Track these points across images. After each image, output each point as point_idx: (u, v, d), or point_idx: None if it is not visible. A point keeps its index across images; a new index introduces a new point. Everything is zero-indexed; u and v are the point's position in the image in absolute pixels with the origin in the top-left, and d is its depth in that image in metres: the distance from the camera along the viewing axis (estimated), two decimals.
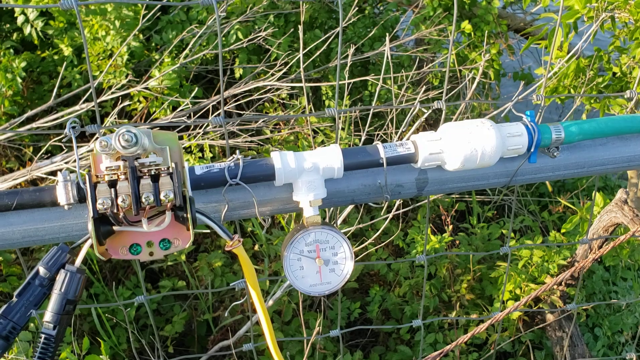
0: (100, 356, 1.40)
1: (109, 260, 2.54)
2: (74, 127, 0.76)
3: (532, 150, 0.90)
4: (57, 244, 0.71)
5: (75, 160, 2.28)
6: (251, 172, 0.82)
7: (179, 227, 0.70)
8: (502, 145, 0.87)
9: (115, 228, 0.66)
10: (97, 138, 0.65)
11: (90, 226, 0.64)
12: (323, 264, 0.85)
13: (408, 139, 0.89)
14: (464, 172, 0.92)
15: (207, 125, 2.46)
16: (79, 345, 1.57)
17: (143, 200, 0.63)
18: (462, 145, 0.85)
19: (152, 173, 0.65)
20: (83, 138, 2.96)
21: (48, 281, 0.66)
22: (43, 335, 0.64)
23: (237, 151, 0.83)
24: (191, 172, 0.79)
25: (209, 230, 2.48)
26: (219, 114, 2.69)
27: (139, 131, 0.63)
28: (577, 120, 0.95)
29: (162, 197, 0.64)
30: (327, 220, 1.44)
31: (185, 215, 0.67)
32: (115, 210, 0.64)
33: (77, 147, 0.72)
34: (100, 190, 0.63)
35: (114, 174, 0.64)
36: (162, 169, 0.65)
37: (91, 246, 0.67)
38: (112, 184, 0.64)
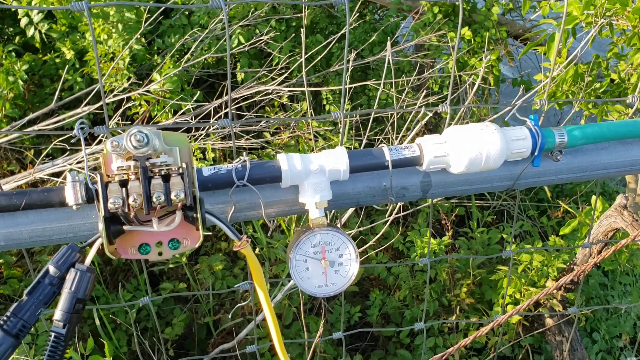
0: (104, 358, 1.41)
1: (109, 262, 2.54)
2: (82, 128, 0.77)
3: (535, 153, 0.91)
4: (64, 244, 0.72)
5: (78, 162, 2.29)
6: (258, 173, 0.83)
7: (188, 227, 0.70)
8: (506, 148, 0.87)
9: (125, 227, 0.67)
10: (99, 142, 0.66)
11: (101, 225, 0.65)
12: (329, 265, 0.86)
13: (413, 142, 0.90)
14: (468, 175, 0.93)
15: (209, 128, 2.47)
16: (82, 346, 1.57)
17: (154, 199, 0.64)
18: (467, 148, 0.85)
19: (163, 173, 0.65)
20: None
21: (58, 280, 0.66)
22: (53, 334, 0.65)
23: (245, 153, 0.84)
24: (199, 173, 0.80)
25: (210, 233, 2.48)
26: (220, 117, 2.69)
27: (150, 131, 0.64)
28: (578, 124, 0.96)
29: (172, 196, 0.64)
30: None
31: (195, 215, 0.67)
32: (126, 210, 0.64)
33: (85, 153, 0.72)
34: (112, 189, 0.64)
35: (125, 173, 0.65)
36: (173, 169, 0.66)
37: (101, 245, 0.67)
38: (123, 183, 0.65)
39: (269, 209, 0.88)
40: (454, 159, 0.87)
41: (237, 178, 0.81)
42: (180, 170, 0.66)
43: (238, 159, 0.83)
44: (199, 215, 0.67)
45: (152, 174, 0.65)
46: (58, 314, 0.65)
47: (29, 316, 0.65)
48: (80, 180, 0.72)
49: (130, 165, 0.64)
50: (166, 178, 0.66)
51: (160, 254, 0.70)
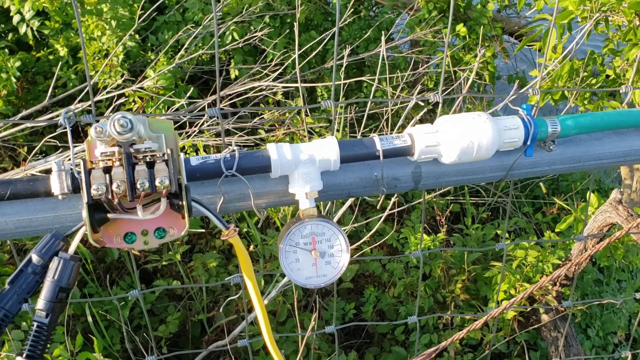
0: (94, 354, 1.39)
1: (103, 260, 2.52)
2: (68, 118, 0.76)
3: (528, 143, 0.90)
4: None
5: (69, 158, 2.27)
6: (247, 163, 0.82)
7: (174, 216, 0.69)
8: (498, 138, 0.86)
9: (109, 215, 0.66)
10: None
11: (85, 213, 0.63)
12: (319, 256, 0.85)
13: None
14: (460, 165, 0.92)
15: (202, 124, 2.46)
16: (72, 344, 1.56)
17: (138, 186, 0.63)
18: (459, 137, 0.84)
19: (147, 160, 0.64)
20: (77, 139, 2.95)
21: (41, 269, 0.65)
22: (35, 324, 0.63)
23: (233, 142, 0.83)
24: (187, 163, 0.79)
25: (203, 230, 2.47)
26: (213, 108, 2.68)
27: (134, 117, 0.63)
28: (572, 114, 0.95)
29: (157, 183, 0.63)
30: None
31: (180, 203, 0.66)
32: (109, 197, 0.63)
33: (73, 146, 0.71)
34: (95, 176, 0.63)
35: (109, 160, 0.63)
36: (158, 156, 0.64)
37: (85, 235, 0.66)
38: (107, 170, 0.63)
39: (258, 199, 0.87)
40: (446, 149, 0.86)
41: (226, 168, 0.80)
42: (165, 157, 0.65)
43: (227, 149, 0.82)
44: (184, 203, 0.66)
45: (136, 160, 0.64)
46: (41, 303, 0.64)
47: (11, 305, 0.63)
48: (66, 170, 0.71)
49: (114, 151, 0.63)
50: (151, 165, 0.64)
51: (146, 243, 0.69)
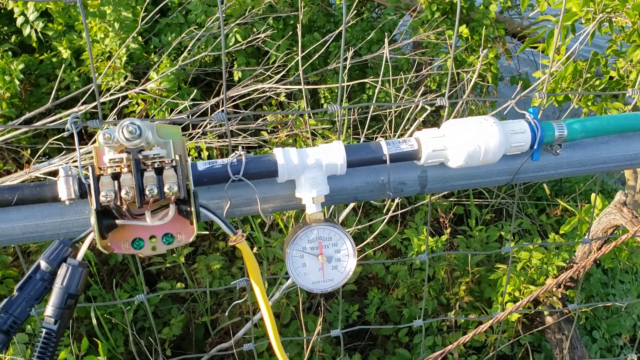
0: (98, 357, 1.39)
1: (106, 262, 2.52)
2: (75, 123, 0.76)
3: (535, 147, 0.89)
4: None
5: (74, 161, 2.27)
6: (254, 168, 0.82)
7: (182, 221, 0.69)
8: (505, 142, 0.86)
9: (118, 222, 0.66)
10: (95, 140, 0.65)
11: (93, 219, 0.63)
12: (326, 261, 0.84)
13: (411, 136, 0.89)
14: (467, 169, 0.92)
15: (206, 126, 2.46)
16: (77, 347, 1.56)
17: (147, 192, 0.63)
18: (466, 141, 0.84)
19: (156, 166, 0.64)
20: (81, 141, 2.95)
21: (49, 275, 0.64)
22: (44, 330, 0.63)
23: (240, 147, 0.83)
24: (193, 168, 0.79)
25: (207, 232, 2.47)
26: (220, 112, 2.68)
27: (142, 123, 0.63)
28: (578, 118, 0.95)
29: (166, 189, 0.63)
30: None
31: (188, 209, 0.66)
32: (118, 203, 0.63)
33: (79, 148, 0.71)
34: (104, 182, 0.63)
35: (117, 166, 0.63)
36: (166, 162, 0.64)
37: (93, 240, 0.66)
38: (116, 176, 0.63)
39: (265, 204, 0.87)
40: (453, 153, 0.86)
41: (233, 172, 0.80)
42: (174, 163, 0.65)
43: (234, 154, 0.82)
44: (193, 209, 0.66)
45: (144, 166, 0.64)
46: (49, 309, 0.64)
47: (19, 312, 0.63)
48: (73, 175, 0.71)
49: (123, 157, 0.63)
50: (159, 171, 0.64)
51: (154, 248, 0.69)
